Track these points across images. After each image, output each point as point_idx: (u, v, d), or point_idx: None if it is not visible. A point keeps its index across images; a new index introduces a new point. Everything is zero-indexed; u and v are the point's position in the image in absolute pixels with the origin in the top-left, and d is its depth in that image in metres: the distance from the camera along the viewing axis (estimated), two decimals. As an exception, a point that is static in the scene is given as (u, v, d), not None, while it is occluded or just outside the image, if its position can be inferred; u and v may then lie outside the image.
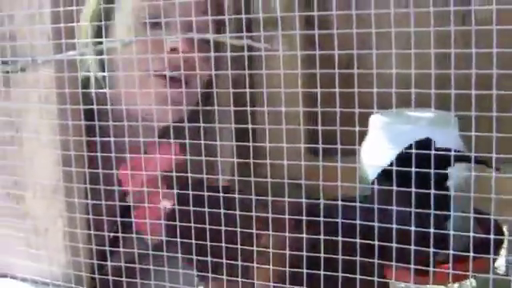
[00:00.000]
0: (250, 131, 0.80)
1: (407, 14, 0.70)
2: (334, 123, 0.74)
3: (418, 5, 0.71)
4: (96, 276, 0.92)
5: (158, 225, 0.94)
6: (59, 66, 0.89)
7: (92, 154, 0.87)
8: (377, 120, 1.28)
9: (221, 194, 0.85)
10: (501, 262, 1.87)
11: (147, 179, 0.92)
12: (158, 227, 0.94)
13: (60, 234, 0.94)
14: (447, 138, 1.26)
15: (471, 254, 0.74)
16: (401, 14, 0.70)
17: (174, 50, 0.93)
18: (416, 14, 0.69)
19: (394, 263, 0.86)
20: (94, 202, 0.89)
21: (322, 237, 0.80)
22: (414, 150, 0.78)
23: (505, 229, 1.57)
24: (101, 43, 0.83)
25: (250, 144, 0.78)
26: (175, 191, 0.91)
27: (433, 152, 0.76)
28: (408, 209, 0.84)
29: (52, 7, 0.87)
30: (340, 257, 0.79)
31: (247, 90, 0.76)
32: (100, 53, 0.82)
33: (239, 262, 0.84)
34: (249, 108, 0.78)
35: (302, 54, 0.81)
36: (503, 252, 1.75)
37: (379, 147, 1.27)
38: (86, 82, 0.97)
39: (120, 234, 0.90)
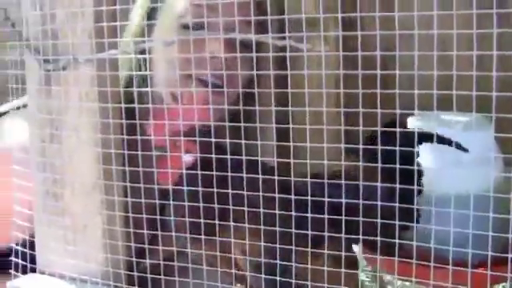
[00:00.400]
0: (291, 131, 0.80)
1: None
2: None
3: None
4: (134, 273, 0.93)
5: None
6: (100, 65, 0.90)
7: (132, 152, 0.88)
8: (411, 123, 1.28)
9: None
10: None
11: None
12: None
13: (99, 231, 0.95)
14: (482, 141, 1.25)
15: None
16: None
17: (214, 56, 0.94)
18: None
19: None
20: (133, 199, 0.89)
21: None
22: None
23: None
24: (143, 43, 0.84)
25: (291, 144, 0.79)
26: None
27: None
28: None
29: (94, 6, 0.88)
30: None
31: (289, 90, 0.76)
32: (142, 52, 0.82)
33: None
34: (290, 108, 0.78)
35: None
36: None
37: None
38: (128, 81, 0.98)
39: (158, 232, 0.90)
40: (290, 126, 0.82)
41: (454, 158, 1.22)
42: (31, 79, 0.97)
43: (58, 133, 0.95)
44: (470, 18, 0.69)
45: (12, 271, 1.02)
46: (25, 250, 1.01)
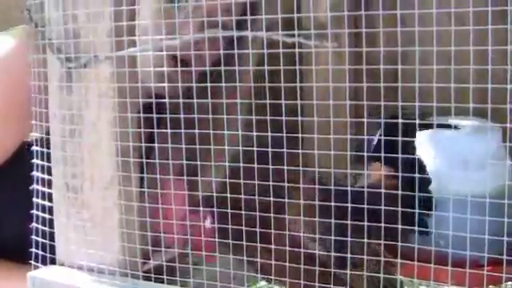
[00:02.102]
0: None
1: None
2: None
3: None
4: (150, 262, 0.97)
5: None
6: (119, 62, 0.94)
7: (148, 144, 0.92)
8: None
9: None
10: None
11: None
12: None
13: (116, 221, 0.99)
14: (488, 145, 1.28)
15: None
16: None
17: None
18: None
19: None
20: (150, 190, 0.94)
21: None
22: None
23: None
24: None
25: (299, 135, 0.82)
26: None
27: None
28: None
29: (114, 6, 0.92)
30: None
31: (297, 84, 0.80)
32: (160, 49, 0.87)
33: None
34: (299, 100, 0.82)
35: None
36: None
37: (423, 153, 1.30)
38: None
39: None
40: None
41: (460, 161, 1.26)
42: (53, 76, 1.01)
43: (79, 127, 1.00)
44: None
45: (32, 262, 1.06)
46: (45, 241, 1.05)
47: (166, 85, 0.91)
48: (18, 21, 1.32)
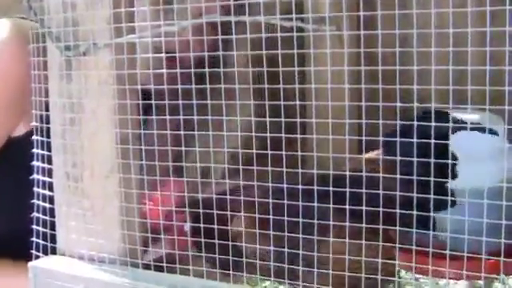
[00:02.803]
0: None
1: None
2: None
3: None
4: (150, 249, 0.97)
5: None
6: (118, 50, 0.94)
7: (148, 131, 0.92)
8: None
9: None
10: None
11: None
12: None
13: (116, 209, 0.99)
14: (491, 139, 1.28)
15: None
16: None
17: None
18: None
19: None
20: (150, 177, 0.94)
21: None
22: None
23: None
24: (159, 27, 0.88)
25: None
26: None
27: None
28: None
29: (113, -6, 0.92)
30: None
31: (296, 69, 0.80)
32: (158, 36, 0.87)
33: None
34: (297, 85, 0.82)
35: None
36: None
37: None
38: None
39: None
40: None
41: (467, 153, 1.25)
42: (53, 65, 1.01)
43: (79, 116, 1.00)
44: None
45: (33, 251, 1.06)
46: (45, 231, 1.05)
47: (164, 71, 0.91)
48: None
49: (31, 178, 1.06)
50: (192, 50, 0.98)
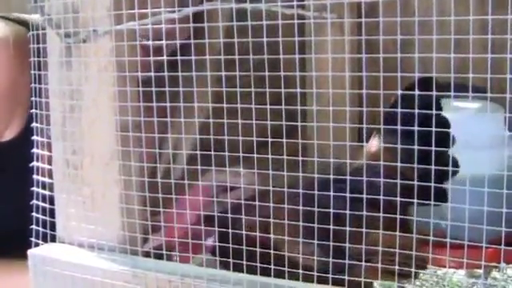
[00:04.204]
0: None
1: None
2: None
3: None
4: (150, 237, 0.97)
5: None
6: (118, 37, 0.94)
7: (149, 119, 0.92)
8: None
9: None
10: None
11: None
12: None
13: (116, 197, 0.99)
14: (493, 126, 1.28)
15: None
16: None
17: None
18: None
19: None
20: (150, 164, 0.94)
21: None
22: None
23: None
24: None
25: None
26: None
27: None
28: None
29: (113, -20, 0.92)
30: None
31: (296, 57, 0.80)
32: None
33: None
34: (299, 75, 0.82)
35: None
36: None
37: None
38: None
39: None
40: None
41: (464, 141, 1.26)
42: (52, 52, 1.01)
43: (79, 103, 0.99)
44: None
45: (33, 239, 1.06)
46: (45, 218, 1.05)
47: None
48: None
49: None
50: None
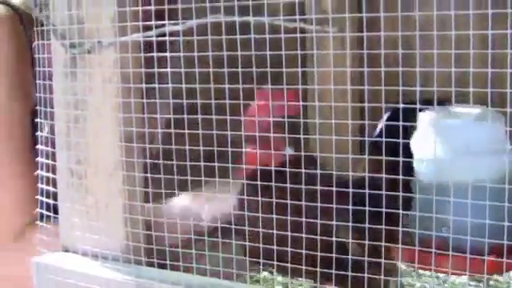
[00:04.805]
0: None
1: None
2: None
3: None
4: (153, 247, 0.97)
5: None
6: (123, 48, 0.95)
7: (153, 130, 0.93)
8: (425, 116, 1.32)
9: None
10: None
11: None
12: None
13: (120, 207, 1.00)
14: (492, 133, 1.29)
15: None
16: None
17: None
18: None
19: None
20: (154, 175, 0.94)
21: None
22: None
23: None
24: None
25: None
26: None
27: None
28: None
29: (118, -8, 0.93)
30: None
31: (301, 69, 0.80)
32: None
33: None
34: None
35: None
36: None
37: (427, 141, 1.30)
38: None
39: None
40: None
41: (464, 148, 1.26)
42: (57, 62, 1.02)
43: (83, 113, 1.00)
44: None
45: (37, 247, 1.07)
46: (49, 226, 1.06)
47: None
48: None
49: None
50: None
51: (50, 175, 1.05)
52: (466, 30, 0.74)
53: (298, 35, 0.82)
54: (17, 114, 1.26)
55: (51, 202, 1.06)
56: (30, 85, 1.24)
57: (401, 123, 0.86)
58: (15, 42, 1.27)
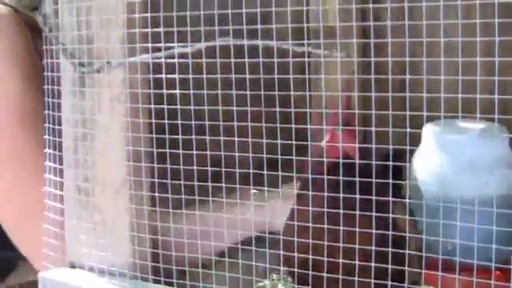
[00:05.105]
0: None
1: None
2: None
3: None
4: (160, 265, 0.98)
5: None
6: (132, 68, 0.96)
7: (160, 150, 0.94)
8: (428, 130, 1.32)
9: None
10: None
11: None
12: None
13: (126, 225, 1.01)
14: (496, 148, 1.29)
15: None
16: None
17: None
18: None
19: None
20: (161, 195, 0.95)
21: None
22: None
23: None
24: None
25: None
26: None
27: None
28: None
29: (127, 13, 0.94)
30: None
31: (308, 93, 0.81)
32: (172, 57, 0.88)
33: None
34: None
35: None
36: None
37: (430, 156, 1.31)
38: None
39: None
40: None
41: (468, 163, 1.26)
42: (66, 81, 1.03)
43: (91, 132, 1.01)
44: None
45: (44, 263, 1.08)
46: (56, 243, 1.07)
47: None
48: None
49: None
50: None
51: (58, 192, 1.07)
52: (473, 55, 0.75)
53: (306, 59, 0.83)
54: (29, 106, 1.28)
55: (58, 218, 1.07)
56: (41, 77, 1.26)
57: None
58: (22, 36, 1.30)
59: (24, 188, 1.28)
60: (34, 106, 1.28)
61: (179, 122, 0.90)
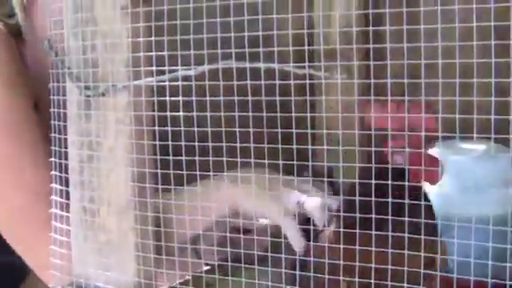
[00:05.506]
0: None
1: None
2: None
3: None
4: (166, 285, 1.00)
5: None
6: (136, 91, 0.98)
7: (164, 171, 0.95)
8: (432, 152, 1.33)
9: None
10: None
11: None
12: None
13: (131, 246, 1.02)
14: (501, 169, 1.30)
15: None
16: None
17: None
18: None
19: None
20: (166, 215, 0.97)
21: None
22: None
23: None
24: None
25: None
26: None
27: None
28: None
29: (132, 37, 0.96)
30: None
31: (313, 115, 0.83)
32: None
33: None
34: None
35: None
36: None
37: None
38: None
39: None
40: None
41: (473, 184, 1.28)
42: (72, 104, 1.05)
43: (96, 154, 1.03)
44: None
45: (51, 285, 1.09)
46: (62, 263, 1.08)
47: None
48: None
49: None
50: None
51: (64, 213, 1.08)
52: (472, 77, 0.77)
53: (308, 81, 0.85)
54: (14, 114, 1.30)
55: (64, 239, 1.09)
56: (26, 85, 1.28)
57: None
58: (6, 44, 1.32)
59: (7, 197, 1.30)
60: (19, 113, 1.30)
61: (183, 143, 0.92)
